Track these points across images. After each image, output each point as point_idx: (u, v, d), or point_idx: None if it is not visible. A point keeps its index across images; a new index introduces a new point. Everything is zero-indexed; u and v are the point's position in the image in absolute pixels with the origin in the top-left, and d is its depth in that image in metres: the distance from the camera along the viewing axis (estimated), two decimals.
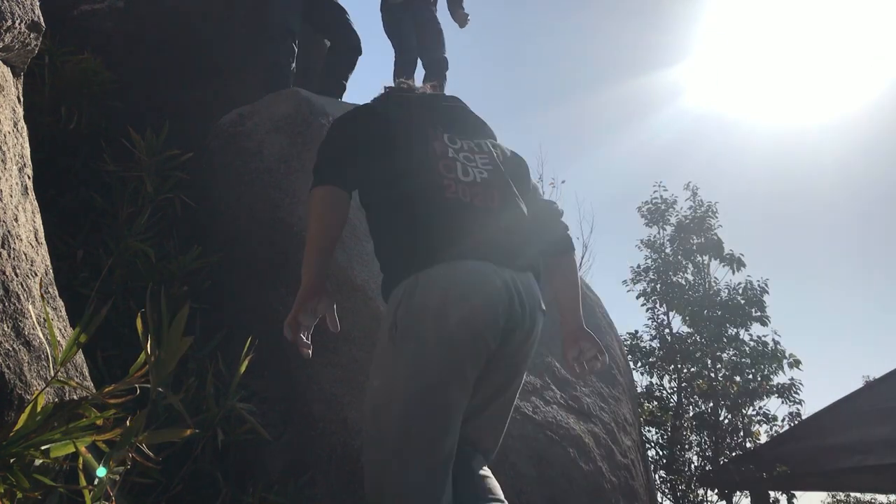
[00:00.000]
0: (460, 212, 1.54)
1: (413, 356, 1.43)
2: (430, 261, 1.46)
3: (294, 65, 3.57)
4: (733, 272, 9.70)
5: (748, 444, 8.98)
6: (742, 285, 9.51)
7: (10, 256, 1.52)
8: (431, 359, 1.42)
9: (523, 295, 1.49)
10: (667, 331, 9.86)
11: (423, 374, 1.42)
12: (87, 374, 1.66)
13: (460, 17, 4.67)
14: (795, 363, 8.93)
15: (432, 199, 1.54)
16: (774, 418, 9.08)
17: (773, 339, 9.06)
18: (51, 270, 1.76)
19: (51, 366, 1.46)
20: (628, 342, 9.75)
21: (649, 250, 10.37)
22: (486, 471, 1.59)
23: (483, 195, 1.59)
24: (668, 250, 10.23)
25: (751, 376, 9.01)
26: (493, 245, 1.51)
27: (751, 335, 9.28)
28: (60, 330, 1.61)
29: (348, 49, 3.91)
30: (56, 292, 1.73)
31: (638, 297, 10.19)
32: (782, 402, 9.03)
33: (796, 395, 8.96)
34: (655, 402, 9.53)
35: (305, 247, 1.65)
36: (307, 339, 1.65)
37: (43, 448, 1.23)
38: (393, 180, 1.62)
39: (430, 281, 1.45)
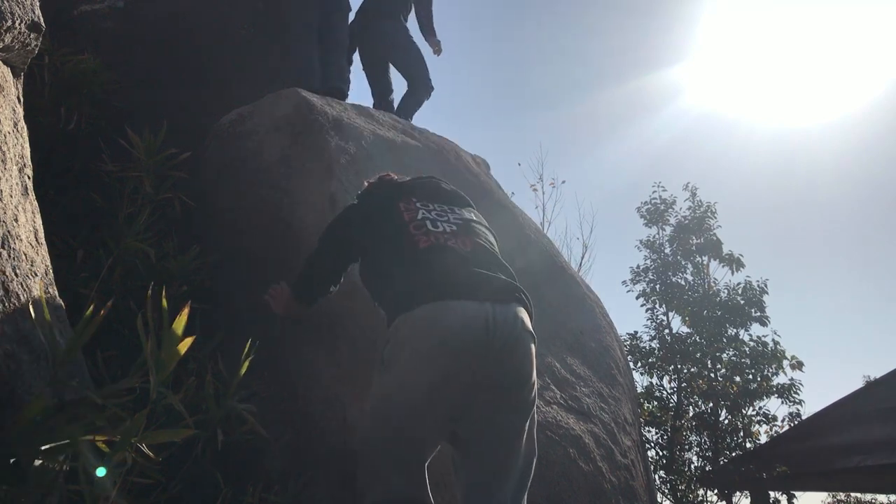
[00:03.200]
0: (437, 256, 1.80)
1: (391, 378, 1.70)
2: (411, 304, 1.71)
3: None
4: (733, 272, 9.71)
5: (748, 444, 8.98)
6: (741, 285, 9.52)
7: (10, 256, 1.52)
8: (403, 378, 1.68)
9: (499, 322, 1.68)
10: (666, 331, 9.86)
11: (398, 385, 1.69)
12: (87, 374, 1.66)
13: (433, 45, 4.70)
14: (798, 364, 8.93)
15: (409, 253, 1.82)
16: (774, 418, 9.07)
17: (773, 340, 9.07)
18: (51, 270, 1.76)
19: (51, 366, 1.45)
20: (628, 342, 9.75)
21: (649, 251, 10.37)
22: None
23: (455, 240, 1.86)
24: (667, 251, 10.24)
25: (751, 376, 9.01)
26: (470, 285, 1.73)
27: (750, 335, 9.29)
28: (60, 330, 1.61)
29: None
30: (56, 292, 1.73)
31: (638, 298, 10.20)
32: (782, 403, 9.03)
33: (796, 396, 8.96)
34: (655, 402, 9.52)
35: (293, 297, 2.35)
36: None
37: (43, 448, 1.23)
38: (374, 248, 1.97)
39: (410, 321, 1.70)
